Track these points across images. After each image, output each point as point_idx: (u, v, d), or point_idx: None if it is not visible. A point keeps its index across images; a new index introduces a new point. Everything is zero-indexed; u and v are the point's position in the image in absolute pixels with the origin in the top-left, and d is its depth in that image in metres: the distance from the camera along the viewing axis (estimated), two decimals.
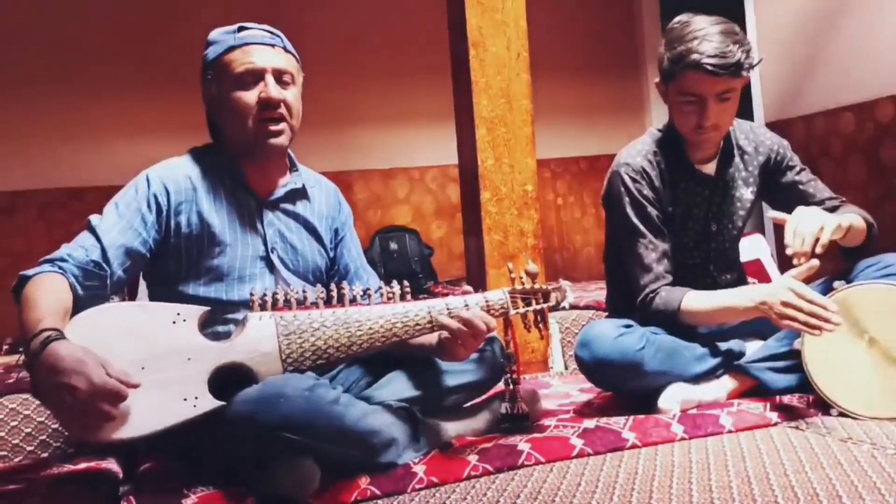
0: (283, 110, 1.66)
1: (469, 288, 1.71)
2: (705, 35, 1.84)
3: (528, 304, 1.70)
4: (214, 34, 1.71)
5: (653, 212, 1.98)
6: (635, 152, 2.03)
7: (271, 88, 1.64)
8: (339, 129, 4.39)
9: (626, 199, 1.98)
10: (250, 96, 1.64)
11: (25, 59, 3.98)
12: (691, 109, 1.90)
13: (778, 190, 2.09)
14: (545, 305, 1.71)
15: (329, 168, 4.07)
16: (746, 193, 2.07)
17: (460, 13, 2.61)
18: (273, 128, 1.66)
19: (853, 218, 1.89)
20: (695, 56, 1.82)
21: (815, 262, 1.76)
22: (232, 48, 1.66)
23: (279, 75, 1.66)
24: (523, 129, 2.62)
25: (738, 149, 2.06)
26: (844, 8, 3.51)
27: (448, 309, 1.62)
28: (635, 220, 1.97)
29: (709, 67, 1.81)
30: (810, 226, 1.74)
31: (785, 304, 1.70)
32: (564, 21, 4.75)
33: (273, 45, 1.68)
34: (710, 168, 2.04)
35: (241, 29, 1.68)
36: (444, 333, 1.62)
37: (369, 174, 4.57)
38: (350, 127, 4.45)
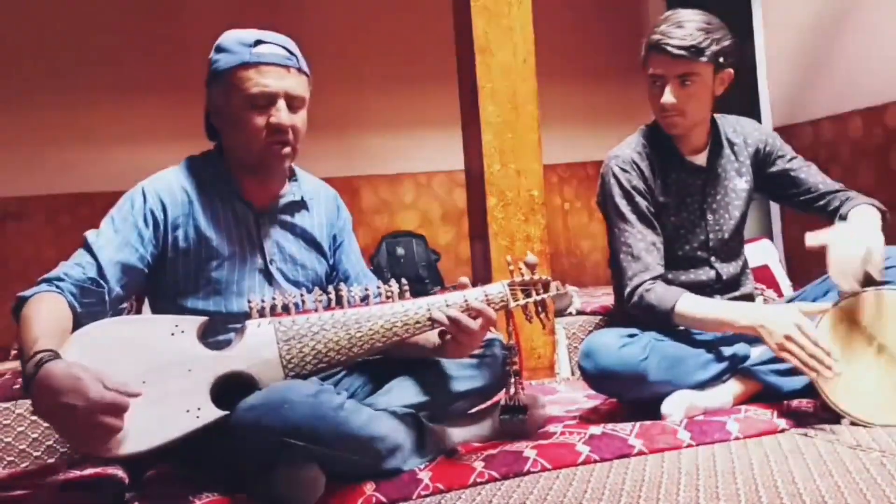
0: (290, 136, 1.64)
1: (466, 281, 1.69)
2: (676, 21, 1.92)
3: (529, 296, 1.69)
4: (228, 41, 1.65)
5: (642, 202, 1.99)
6: (625, 145, 2.08)
7: (282, 115, 1.61)
8: (346, 135, 4.40)
9: (616, 190, 2.01)
10: (260, 120, 1.61)
11: (32, 65, 4.01)
12: (656, 92, 1.96)
13: (772, 180, 2.11)
14: (546, 296, 1.70)
15: (336, 173, 4.08)
16: (740, 184, 2.08)
17: (467, 19, 2.61)
18: (281, 152, 1.64)
19: (870, 212, 1.91)
20: (655, 37, 1.92)
21: (830, 304, 1.78)
22: (246, 65, 1.60)
23: (291, 100, 1.63)
24: (530, 134, 2.61)
25: (726, 140, 2.09)
26: (853, 12, 3.49)
27: (448, 305, 1.61)
28: (624, 210, 1.99)
29: (665, 48, 1.89)
30: (853, 256, 1.74)
31: (788, 339, 1.71)
32: (571, 26, 4.75)
33: (288, 67, 1.62)
34: (700, 159, 2.06)
35: (257, 43, 1.62)
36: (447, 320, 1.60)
37: (376, 179, 4.58)
38: (357, 132, 4.46)
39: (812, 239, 1.82)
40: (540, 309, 1.70)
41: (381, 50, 4.46)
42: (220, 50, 1.66)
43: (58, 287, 1.48)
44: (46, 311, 1.43)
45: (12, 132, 3.97)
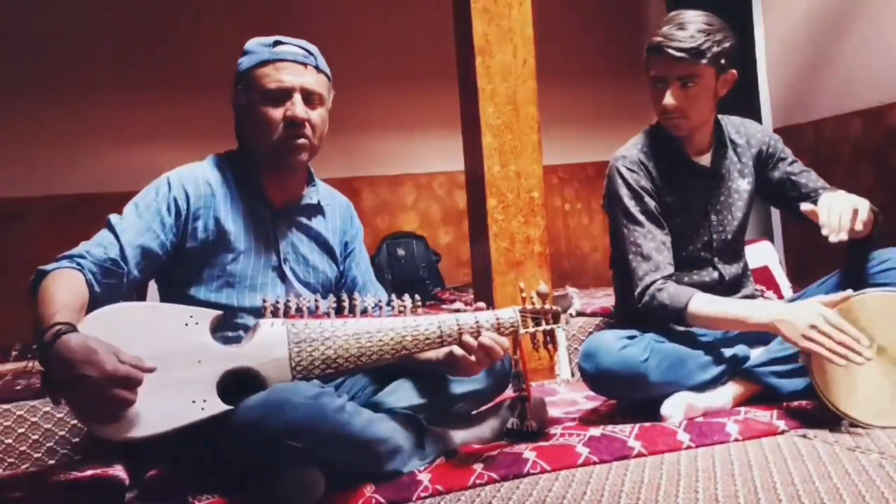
0: (307, 129, 1.67)
1: (482, 304, 1.71)
2: (678, 23, 1.92)
3: (538, 324, 1.70)
4: (251, 44, 1.72)
5: (650, 202, 1.99)
6: (631, 146, 2.08)
7: (297, 108, 1.65)
8: (347, 136, 4.40)
9: (624, 190, 2.00)
10: (277, 113, 1.66)
11: (36, 65, 4.01)
12: (657, 94, 1.96)
13: (771, 182, 2.11)
14: (555, 326, 1.71)
15: (337, 175, 4.09)
16: (743, 185, 2.09)
17: (467, 20, 2.62)
18: (296, 142, 1.67)
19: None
20: (656, 39, 1.92)
21: (851, 291, 1.77)
22: (265, 62, 1.67)
23: (307, 95, 1.68)
24: (530, 135, 2.61)
25: (730, 141, 2.10)
26: (853, 12, 3.50)
27: (459, 325, 1.62)
28: (633, 210, 1.99)
29: (666, 50, 1.89)
30: (845, 206, 1.76)
31: (813, 328, 1.69)
32: (571, 27, 4.75)
33: (306, 65, 1.69)
34: (704, 160, 2.07)
35: (276, 43, 1.69)
36: (458, 350, 1.62)
37: (377, 181, 4.58)
38: (358, 134, 4.46)
39: (805, 205, 1.85)
40: (548, 339, 1.72)
41: (382, 51, 4.46)
42: (244, 53, 1.72)
43: (79, 265, 1.50)
44: (65, 287, 1.44)
45: (14, 133, 3.97)
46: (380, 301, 1.63)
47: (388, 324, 1.59)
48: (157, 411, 1.38)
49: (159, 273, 1.68)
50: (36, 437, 2.04)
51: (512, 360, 1.74)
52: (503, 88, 2.60)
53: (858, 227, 1.74)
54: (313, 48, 1.74)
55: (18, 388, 2.14)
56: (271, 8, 4.22)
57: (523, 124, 2.61)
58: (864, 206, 1.78)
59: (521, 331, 1.68)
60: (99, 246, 1.55)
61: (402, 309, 1.63)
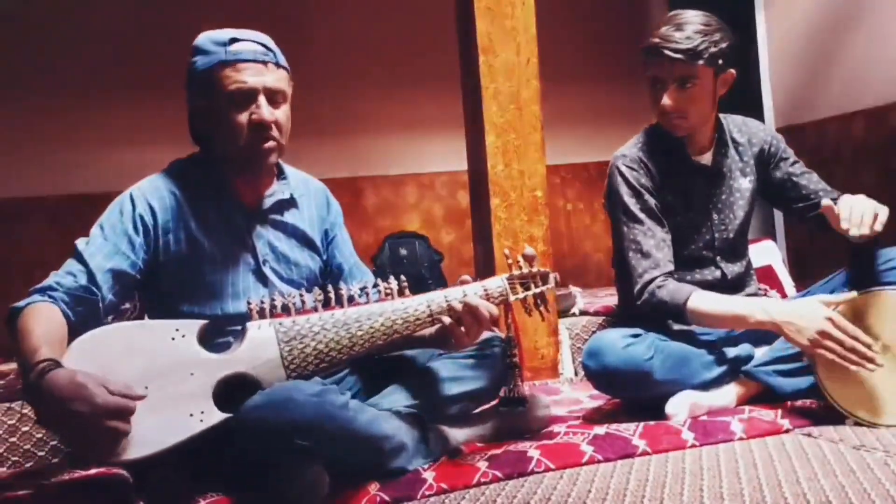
0: (274, 132, 1.62)
1: (467, 277, 1.69)
2: (675, 23, 1.91)
3: (527, 289, 1.69)
4: (204, 42, 1.64)
5: (650, 200, 1.99)
6: (631, 144, 2.08)
7: (263, 111, 1.60)
8: (349, 136, 4.40)
9: (624, 188, 2.01)
10: (242, 116, 1.60)
11: (37, 65, 4.01)
12: (655, 95, 1.96)
13: (772, 182, 2.11)
14: (544, 288, 1.70)
15: (339, 174, 4.09)
16: (745, 183, 2.09)
17: (470, 20, 2.62)
18: (265, 146, 1.62)
19: None
20: (654, 40, 1.91)
21: (855, 293, 1.77)
22: (223, 63, 1.59)
23: (271, 95, 1.62)
24: (533, 134, 2.62)
25: (731, 140, 2.10)
26: (856, 12, 3.49)
27: (447, 301, 1.61)
28: (633, 208, 1.99)
29: (663, 51, 1.89)
30: (867, 206, 1.77)
31: (823, 335, 1.69)
32: (574, 27, 4.75)
33: (266, 63, 1.61)
34: (705, 159, 2.07)
35: (233, 41, 1.62)
36: (447, 319, 1.60)
37: (379, 180, 4.58)
38: (360, 134, 4.45)
39: (826, 201, 1.85)
40: (539, 301, 1.70)
41: (385, 51, 4.46)
42: (196, 52, 1.65)
43: (51, 297, 1.47)
44: (43, 321, 1.42)
45: (14, 132, 3.97)
46: (366, 286, 1.61)
47: (376, 309, 1.58)
48: (156, 429, 1.37)
49: (141, 292, 1.65)
50: (40, 435, 2.04)
51: (504, 326, 1.72)
52: (506, 87, 2.60)
53: (878, 227, 1.75)
54: (270, 42, 1.66)
55: (21, 387, 2.14)
56: (272, 8, 4.22)
57: (527, 123, 2.61)
58: (884, 210, 1.79)
59: (511, 298, 1.66)
60: (68, 275, 1.52)
61: (388, 292, 1.62)
